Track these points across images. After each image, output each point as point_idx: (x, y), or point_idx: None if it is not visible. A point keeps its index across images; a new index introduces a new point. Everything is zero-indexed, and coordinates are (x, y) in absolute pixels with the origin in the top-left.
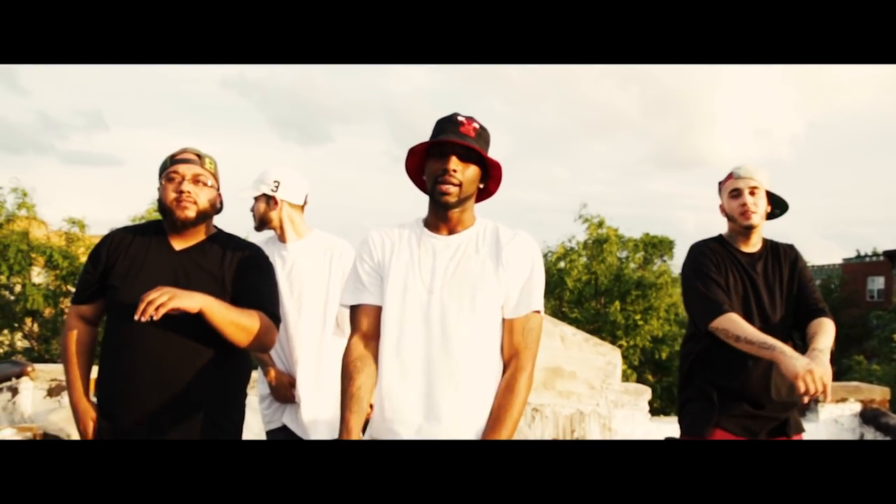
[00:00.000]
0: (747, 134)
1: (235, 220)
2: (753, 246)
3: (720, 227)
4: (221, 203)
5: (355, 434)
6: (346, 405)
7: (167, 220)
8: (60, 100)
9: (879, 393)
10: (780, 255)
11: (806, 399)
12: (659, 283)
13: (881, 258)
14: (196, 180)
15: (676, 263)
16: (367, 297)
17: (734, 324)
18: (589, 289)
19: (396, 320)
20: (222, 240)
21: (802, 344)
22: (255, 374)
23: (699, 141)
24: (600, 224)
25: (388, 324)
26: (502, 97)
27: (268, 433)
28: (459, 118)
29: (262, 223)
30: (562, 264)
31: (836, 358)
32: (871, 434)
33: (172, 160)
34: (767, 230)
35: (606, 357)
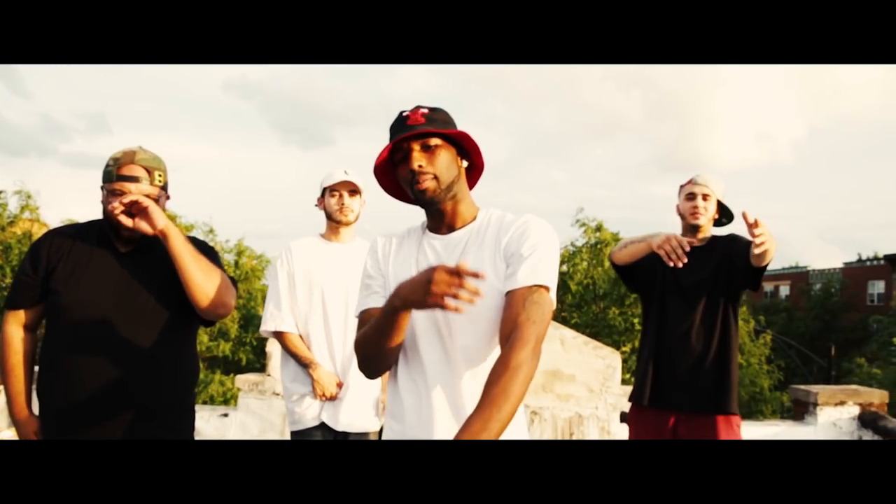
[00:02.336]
0: (749, 137)
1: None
2: (699, 243)
3: (720, 229)
4: (168, 198)
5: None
6: None
7: (113, 230)
8: (63, 102)
9: (878, 396)
10: (718, 245)
11: (671, 264)
12: None
13: (882, 262)
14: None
15: None
16: (371, 300)
17: (622, 243)
18: (588, 293)
19: (414, 329)
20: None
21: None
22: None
23: (701, 144)
24: (598, 228)
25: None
26: (504, 100)
27: (299, 432)
28: (404, 114)
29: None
30: (564, 268)
31: (835, 360)
32: (869, 437)
33: (118, 175)
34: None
35: (606, 360)
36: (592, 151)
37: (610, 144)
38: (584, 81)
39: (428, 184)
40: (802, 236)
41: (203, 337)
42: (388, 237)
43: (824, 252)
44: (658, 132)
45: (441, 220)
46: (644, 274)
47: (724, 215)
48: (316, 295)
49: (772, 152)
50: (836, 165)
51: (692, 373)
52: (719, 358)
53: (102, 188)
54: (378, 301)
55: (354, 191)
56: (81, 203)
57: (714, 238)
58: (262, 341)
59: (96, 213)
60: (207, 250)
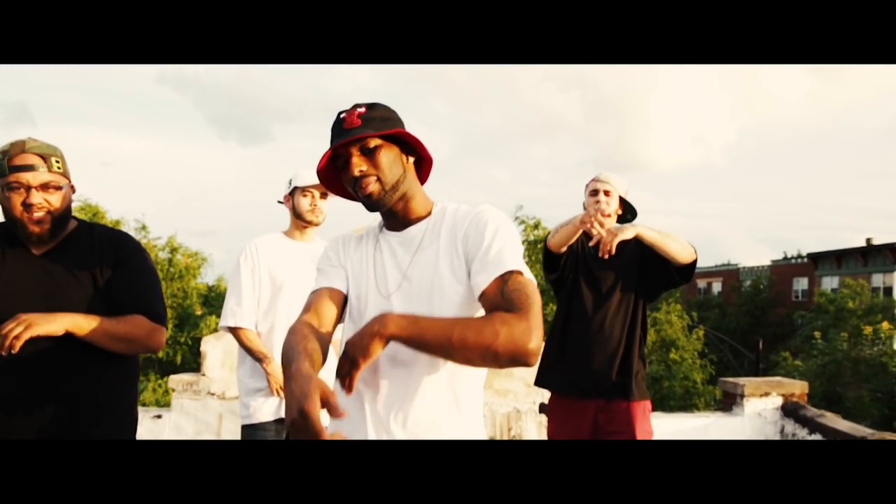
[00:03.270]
0: (684, 139)
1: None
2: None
3: (657, 227)
4: (74, 191)
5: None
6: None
7: (19, 232)
8: None
9: (799, 387)
10: (629, 243)
11: (594, 232)
12: None
13: (806, 260)
14: (46, 187)
15: None
16: (321, 280)
17: (553, 229)
18: None
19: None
20: (85, 233)
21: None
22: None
23: (638, 146)
24: (536, 225)
25: (348, 333)
26: (445, 98)
27: (252, 426)
28: (342, 115)
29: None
30: None
31: (762, 354)
32: (790, 426)
33: (11, 166)
34: (703, 235)
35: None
36: (533, 151)
37: (550, 144)
38: (524, 81)
39: (372, 188)
40: (734, 235)
41: None
42: (347, 237)
43: (754, 250)
44: (597, 133)
45: (394, 218)
46: (565, 263)
47: (627, 211)
48: (279, 292)
49: (705, 154)
50: (763, 168)
51: (607, 362)
52: (630, 347)
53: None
54: (327, 281)
55: (325, 193)
56: None
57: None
58: (198, 341)
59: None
60: (129, 248)
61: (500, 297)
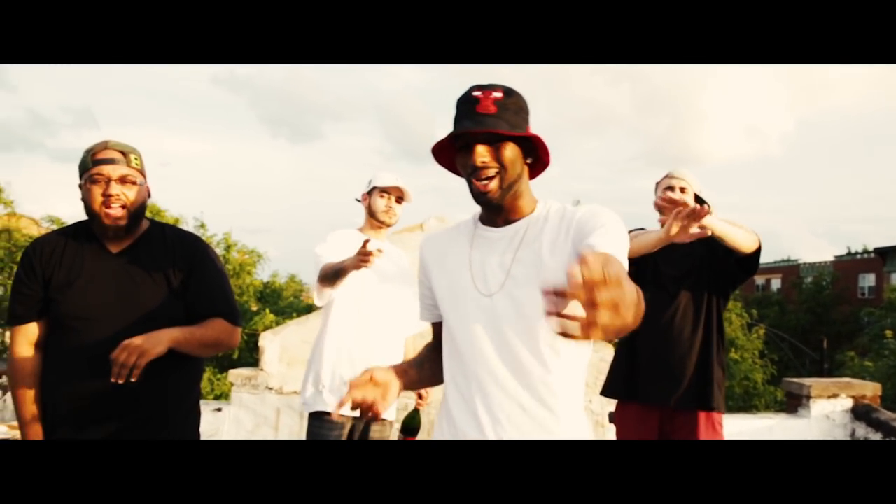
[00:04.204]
0: (738, 131)
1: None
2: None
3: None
4: (149, 194)
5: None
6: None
7: (95, 225)
8: (49, 96)
9: (871, 389)
10: (701, 242)
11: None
12: None
13: (872, 255)
14: (124, 181)
15: None
16: (425, 315)
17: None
18: None
19: (454, 332)
20: (158, 233)
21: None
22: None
23: (690, 138)
24: None
25: (448, 338)
26: None
27: (318, 414)
28: (475, 94)
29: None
30: None
31: (827, 353)
32: (862, 430)
33: (94, 160)
34: (760, 229)
35: (599, 354)
36: (583, 146)
37: (600, 138)
38: (573, 76)
39: (491, 185)
40: (793, 230)
41: None
42: (434, 240)
43: (815, 245)
44: (647, 126)
45: (498, 213)
46: (634, 268)
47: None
48: (354, 282)
49: (761, 146)
50: (824, 159)
51: (676, 367)
52: (703, 352)
53: (81, 183)
54: (428, 316)
55: (402, 198)
56: (69, 198)
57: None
58: (255, 336)
59: (81, 209)
60: (201, 249)
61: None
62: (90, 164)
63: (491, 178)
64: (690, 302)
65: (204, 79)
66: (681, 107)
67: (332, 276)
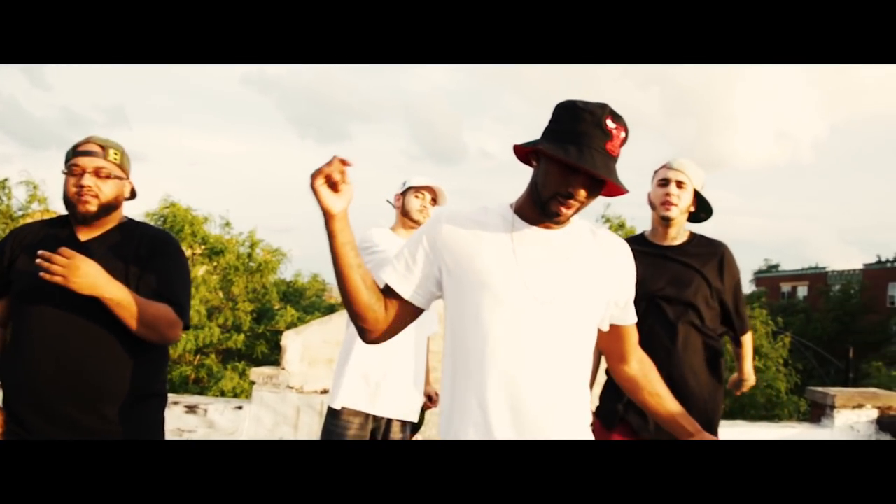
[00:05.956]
0: (768, 136)
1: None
2: (672, 240)
3: (738, 228)
4: (134, 192)
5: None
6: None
7: (70, 213)
8: (83, 95)
9: None
10: (700, 253)
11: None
12: None
13: None
14: (98, 173)
15: None
16: (418, 298)
17: None
18: None
19: (493, 335)
20: (130, 228)
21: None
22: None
23: (719, 142)
24: (621, 225)
25: (470, 332)
26: (521, 96)
27: (338, 412)
28: (609, 125)
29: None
30: None
31: (853, 363)
32: (888, 441)
33: (75, 151)
34: (789, 236)
35: None
36: None
37: (629, 141)
38: (601, 78)
39: (569, 213)
40: (822, 237)
41: (215, 329)
42: (458, 218)
43: (844, 253)
44: (676, 130)
45: (543, 218)
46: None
47: (701, 209)
48: None
49: (792, 151)
50: (856, 165)
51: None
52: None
53: (64, 172)
54: (391, 278)
55: (436, 199)
56: None
57: (694, 237)
58: (276, 334)
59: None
60: (169, 245)
61: (635, 342)
62: (71, 156)
63: (572, 208)
64: (691, 325)
65: (234, 79)
66: (710, 110)
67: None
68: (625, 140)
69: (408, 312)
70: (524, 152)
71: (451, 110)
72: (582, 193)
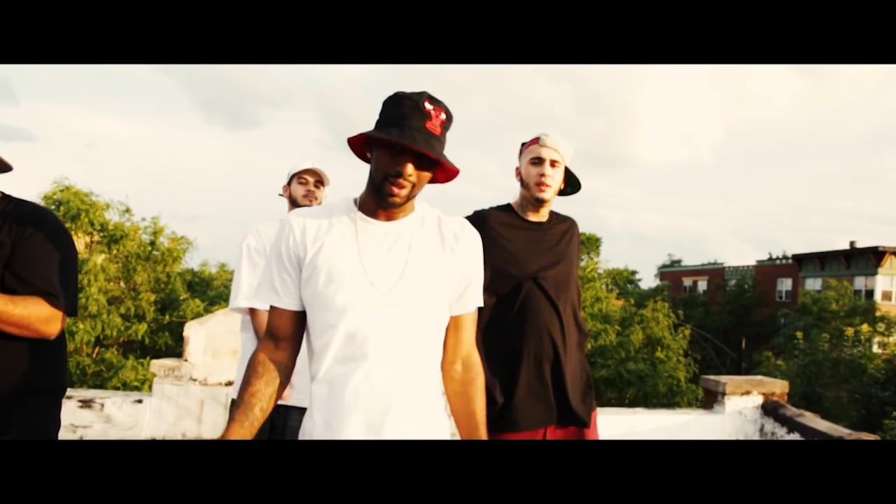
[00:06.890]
0: (672, 137)
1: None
2: (542, 217)
3: (644, 224)
4: (5, 165)
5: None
6: (233, 411)
7: None
8: None
9: (780, 386)
10: (565, 227)
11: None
12: (587, 276)
13: (790, 261)
14: None
15: (602, 259)
16: (280, 301)
17: None
18: None
19: (336, 324)
20: (3, 205)
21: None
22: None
23: (626, 141)
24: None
25: (325, 329)
26: (435, 89)
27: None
28: (427, 106)
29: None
30: None
31: (745, 353)
32: (770, 425)
33: None
34: (689, 233)
35: None
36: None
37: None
38: (514, 74)
39: (402, 193)
40: (720, 234)
41: (116, 320)
42: (305, 216)
43: (739, 250)
44: (586, 127)
45: (389, 210)
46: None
47: (569, 184)
48: None
49: (693, 153)
50: (750, 168)
51: (553, 382)
52: (575, 358)
53: None
54: (280, 301)
55: (321, 182)
56: None
57: (553, 214)
58: (181, 325)
59: (3, 188)
60: (45, 226)
61: (472, 331)
62: None
63: (404, 188)
64: (567, 305)
65: None
66: (618, 110)
67: None
68: (445, 121)
69: (301, 318)
70: (357, 145)
71: (366, 100)
72: (409, 169)
